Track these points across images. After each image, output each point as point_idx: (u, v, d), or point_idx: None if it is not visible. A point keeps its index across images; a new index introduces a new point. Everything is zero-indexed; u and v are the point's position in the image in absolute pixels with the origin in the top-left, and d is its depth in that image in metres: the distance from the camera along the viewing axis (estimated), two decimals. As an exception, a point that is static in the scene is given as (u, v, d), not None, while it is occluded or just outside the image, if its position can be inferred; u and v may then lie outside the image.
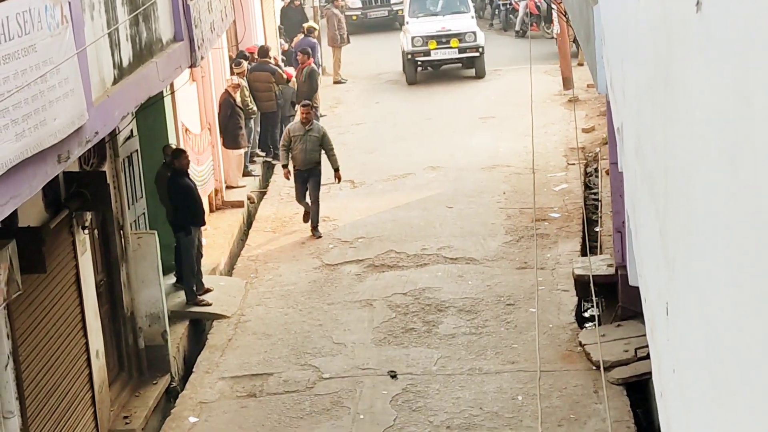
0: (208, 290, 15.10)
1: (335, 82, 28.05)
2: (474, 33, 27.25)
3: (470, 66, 27.81)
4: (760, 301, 2.13)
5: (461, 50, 27.10)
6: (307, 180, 17.72)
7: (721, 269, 2.60)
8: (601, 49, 8.53)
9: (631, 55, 5.48)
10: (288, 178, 18.03)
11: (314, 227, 17.78)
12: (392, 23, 35.66)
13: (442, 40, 27.16)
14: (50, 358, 10.88)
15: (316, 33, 25.84)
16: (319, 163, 17.79)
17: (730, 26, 2.42)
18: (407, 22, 28.27)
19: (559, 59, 25.63)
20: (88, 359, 11.76)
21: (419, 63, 27.43)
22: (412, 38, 27.22)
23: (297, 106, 22.55)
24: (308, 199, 17.90)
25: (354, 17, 35.52)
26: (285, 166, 17.92)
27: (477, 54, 27.12)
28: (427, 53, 27.11)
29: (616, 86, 7.07)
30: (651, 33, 4.16)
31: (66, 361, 11.24)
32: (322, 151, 17.84)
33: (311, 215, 17.82)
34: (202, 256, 15.29)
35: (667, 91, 3.64)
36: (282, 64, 23.82)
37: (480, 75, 27.35)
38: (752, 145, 2.23)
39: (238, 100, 19.41)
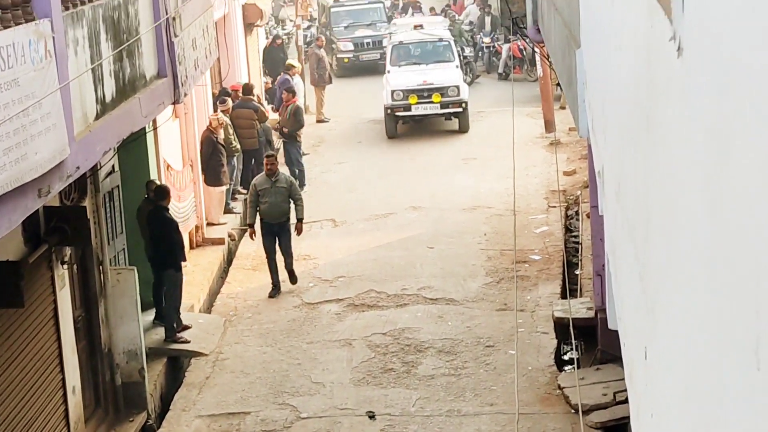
0: (186, 327, 15.04)
1: (318, 121, 28.10)
2: (457, 87, 25.90)
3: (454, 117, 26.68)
4: (739, 346, 2.13)
5: (443, 105, 25.70)
6: (278, 234, 16.91)
7: (701, 314, 2.60)
8: (583, 92, 8.58)
9: (612, 99, 5.51)
10: (253, 239, 17.13)
11: (292, 281, 17.09)
12: (384, 66, 35.57)
13: (424, 94, 25.72)
14: (26, 394, 10.79)
15: (294, 71, 25.82)
16: (289, 216, 16.99)
17: (710, 71, 2.44)
18: (388, 71, 26.99)
19: (541, 102, 25.75)
20: (65, 395, 11.67)
21: (399, 118, 26.16)
22: (392, 92, 25.83)
23: (280, 144, 22.61)
24: (279, 258, 17.02)
25: (345, 59, 35.01)
26: (251, 225, 17.08)
27: (460, 109, 25.81)
28: (408, 108, 25.63)
29: (597, 130, 7.11)
30: (632, 77, 4.18)
31: (42, 396, 11.15)
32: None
33: (287, 268, 17.02)
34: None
35: (648, 135, 3.65)
36: (264, 102, 23.88)
37: (463, 129, 26.08)
38: (731, 190, 2.23)
39: (221, 137, 19.42)
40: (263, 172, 17.19)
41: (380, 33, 34.92)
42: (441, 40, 27.74)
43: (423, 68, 26.69)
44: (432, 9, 40.77)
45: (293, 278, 17.11)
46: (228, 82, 22.75)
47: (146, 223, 14.68)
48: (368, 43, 35.34)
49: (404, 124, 26.44)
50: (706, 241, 2.51)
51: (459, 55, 28.39)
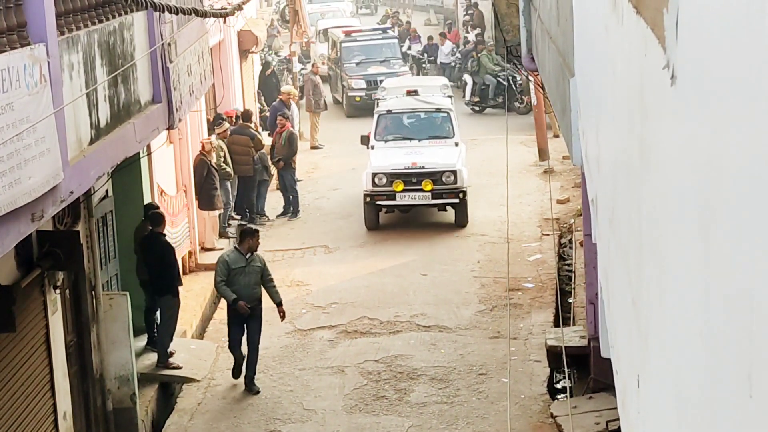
0: (170, 353, 15.00)
1: (312, 147, 28.13)
2: (454, 173, 20.59)
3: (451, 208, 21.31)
4: (733, 375, 2.13)
5: (436, 194, 20.56)
6: (247, 322, 14.67)
7: (693, 343, 2.60)
8: (577, 121, 8.59)
9: (606, 127, 5.52)
10: (247, 311, 14.52)
11: (250, 379, 14.62)
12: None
13: (412, 180, 20.62)
14: (17, 419, 10.73)
15: (286, 97, 25.55)
16: (261, 300, 14.83)
17: (703, 100, 2.45)
18: (372, 146, 21.80)
19: (535, 130, 25.82)
20: (56, 420, 11.62)
21: (381, 207, 21.08)
22: (373, 175, 20.70)
23: (273, 169, 22.63)
24: (244, 347, 14.86)
25: (357, 98, 32.73)
26: (237, 300, 14.50)
27: (457, 200, 20.63)
28: (392, 196, 20.65)
29: (591, 158, 7.12)
30: (626, 105, 4.20)
31: (33, 421, 11.09)
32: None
33: (248, 364, 14.64)
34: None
35: (642, 163, 3.66)
36: (260, 129, 23.91)
37: (460, 223, 20.95)
38: (724, 219, 2.24)
39: (213, 160, 19.45)
40: (232, 250, 15.21)
41: (395, 70, 32.84)
42: (439, 110, 22.37)
43: (414, 146, 21.68)
44: (430, 38, 39.97)
45: (252, 386, 14.58)
46: (223, 108, 22.79)
47: (141, 248, 14.67)
48: (382, 81, 30.98)
49: (388, 213, 21.76)
50: (699, 270, 2.51)
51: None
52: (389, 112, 22.46)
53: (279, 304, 14.90)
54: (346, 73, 33.45)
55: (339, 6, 50.25)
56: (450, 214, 21.25)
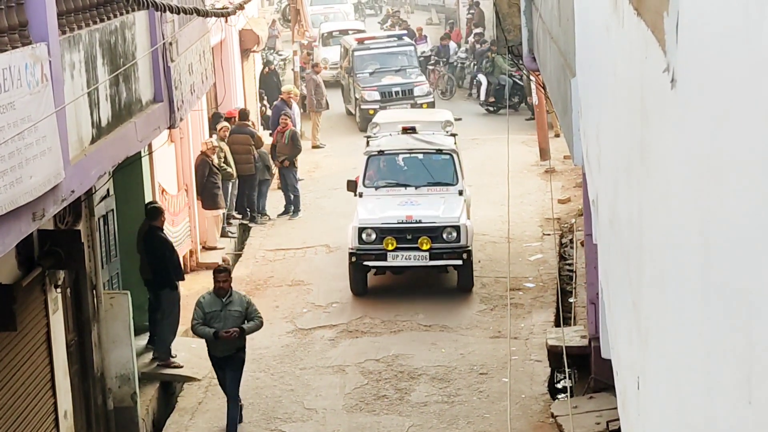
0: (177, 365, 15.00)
1: (313, 147, 28.12)
2: (457, 228, 17.18)
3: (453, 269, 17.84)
4: (732, 377, 2.13)
5: (435, 254, 17.17)
6: (226, 368, 13.32)
7: (693, 344, 2.60)
8: (578, 121, 8.60)
9: (607, 128, 5.52)
10: (232, 337, 13.08)
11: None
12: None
13: (407, 236, 17.23)
14: (18, 418, 10.74)
15: (287, 96, 25.46)
16: (243, 348, 13.37)
17: (703, 103, 2.45)
18: (360, 194, 18.31)
19: (536, 130, 25.81)
20: (56, 419, 11.62)
21: (370, 268, 17.69)
22: (360, 230, 17.34)
23: (274, 168, 22.63)
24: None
25: (371, 111, 28.89)
26: (216, 332, 13.07)
27: (460, 261, 17.21)
28: (382, 255, 17.22)
29: (592, 158, 7.12)
30: (627, 107, 4.20)
31: (34, 420, 11.10)
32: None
33: (228, 419, 13.28)
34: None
35: (642, 164, 3.66)
36: (260, 128, 23.88)
37: (464, 287, 17.63)
38: (724, 220, 2.24)
39: (215, 161, 19.47)
40: (211, 291, 13.41)
41: (411, 80, 30.68)
42: (441, 152, 18.66)
43: (410, 195, 18.14)
44: (443, 38, 37.65)
45: None
46: (224, 107, 22.79)
47: (142, 244, 14.68)
48: (397, 93, 30.39)
49: (378, 275, 18.23)
50: (699, 272, 2.51)
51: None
52: (381, 153, 18.66)
53: (243, 331, 13.13)
54: (359, 84, 30.78)
55: (341, 8, 48.88)
56: (452, 274, 18.04)
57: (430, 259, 17.19)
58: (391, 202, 17.88)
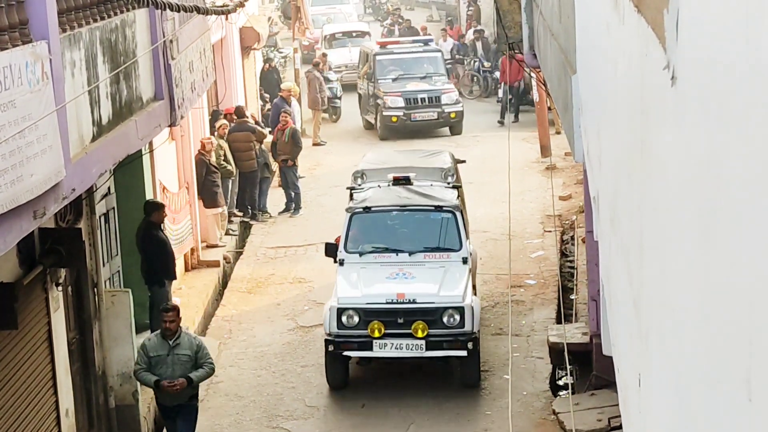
0: None
1: (314, 144, 28.12)
2: (461, 311, 13.90)
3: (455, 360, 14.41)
4: (732, 374, 2.13)
5: (433, 343, 13.93)
6: (176, 417, 12.10)
7: (693, 342, 2.60)
8: (579, 118, 8.59)
9: (607, 125, 5.52)
10: (174, 390, 11.79)
11: None
12: (442, 128, 28.83)
13: (398, 320, 13.94)
14: (19, 416, 10.75)
15: (287, 94, 25.39)
16: (195, 396, 12.18)
17: (703, 100, 2.45)
18: (341, 262, 14.83)
19: (537, 127, 25.81)
20: (58, 418, 11.63)
21: (352, 358, 14.43)
22: (339, 312, 13.97)
23: (274, 166, 22.63)
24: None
25: (394, 118, 28.20)
26: (159, 381, 11.82)
27: (464, 352, 13.94)
28: (366, 344, 13.99)
29: (592, 155, 7.12)
30: (627, 104, 4.20)
31: (35, 419, 11.10)
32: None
33: None
34: None
35: (643, 161, 3.66)
36: (262, 123, 23.81)
37: (469, 382, 14.33)
38: (725, 218, 2.24)
39: (213, 159, 19.48)
40: (157, 332, 12.12)
41: (437, 88, 28.74)
42: (440, 209, 15.15)
43: (402, 264, 14.70)
44: (462, 37, 36.91)
45: None
46: (224, 105, 22.80)
47: (140, 240, 14.71)
48: (423, 99, 28.47)
49: (361, 365, 14.80)
50: (700, 269, 2.51)
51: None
52: (367, 209, 15.25)
53: (188, 379, 11.80)
54: (381, 90, 28.71)
55: (342, 8, 47.70)
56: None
57: (427, 348, 13.87)
58: (379, 274, 14.52)
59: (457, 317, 13.86)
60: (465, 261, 14.74)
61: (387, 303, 13.98)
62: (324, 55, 32.42)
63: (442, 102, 28.35)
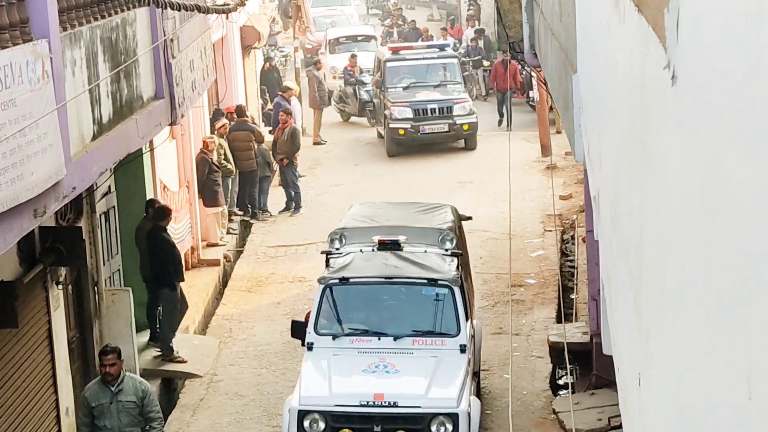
0: (180, 360, 15.02)
1: (315, 143, 28.12)
2: (453, 419, 11.34)
3: None
4: (733, 374, 2.13)
5: None
6: None
7: (694, 341, 2.60)
8: (579, 117, 8.60)
9: (608, 124, 5.53)
10: None
11: None
12: (452, 142, 26.83)
13: (374, 427, 11.38)
14: (19, 415, 10.75)
15: (291, 93, 25.33)
16: None
17: (703, 99, 2.45)
18: (308, 346, 12.38)
19: (538, 126, 25.81)
20: (58, 416, 11.64)
21: None
22: (301, 415, 11.44)
23: (275, 165, 22.64)
24: None
25: (401, 131, 25.90)
26: None
27: None
28: None
29: (593, 155, 7.12)
30: (627, 104, 4.20)
31: (35, 417, 11.11)
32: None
33: None
34: (187, 308, 15.24)
35: (643, 161, 3.66)
36: (261, 124, 23.81)
37: None
38: (725, 217, 2.24)
39: (215, 158, 19.49)
40: (97, 379, 10.81)
41: (451, 97, 26.34)
42: (435, 283, 12.59)
43: (384, 352, 12.15)
44: (475, 38, 34.72)
45: None
46: (225, 104, 22.80)
47: (145, 242, 14.70)
48: (433, 110, 26.14)
49: None
50: (700, 268, 2.51)
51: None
52: (344, 281, 12.63)
53: None
54: (389, 100, 26.41)
55: (344, 10, 45.90)
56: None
57: None
58: (354, 366, 12.01)
59: (449, 427, 11.30)
60: (463, 350, 12.05)
61: (361, 405, 11.43)
62: (318, 61, 31.59)
63: (454, 113, 25.94)
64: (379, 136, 28.01)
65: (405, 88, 26.71)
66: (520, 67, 27.29)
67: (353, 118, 30.57)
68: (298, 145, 22.72)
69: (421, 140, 26.03)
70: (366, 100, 29.28)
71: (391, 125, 25.97)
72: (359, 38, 37.14)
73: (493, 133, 27.43)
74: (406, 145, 26.12)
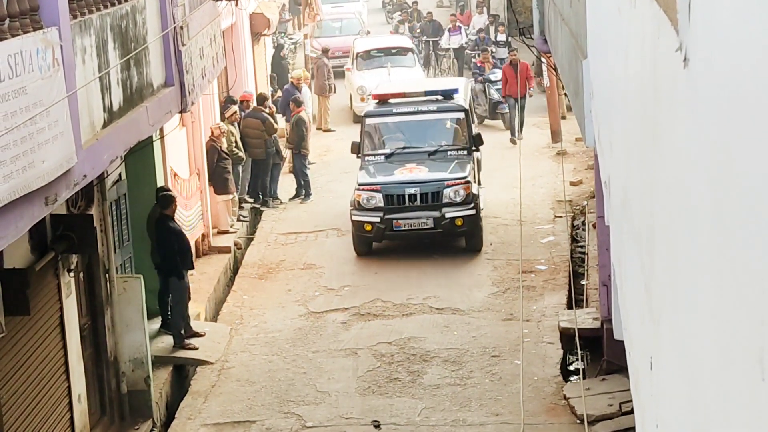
0: (197, 334, 15.06)
1: (323, 130, 28.05)
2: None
3: None
4: (744, 357, 2.13)
5: None
6: None
7: (705, 324, 2.60)
8: (590, 103, 8.58)
9: (619, 109, 5.51)
10: None
11: None
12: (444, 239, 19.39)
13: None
14: (32, 401, 10.79)
15: (297, 81, 25.03)
16: None
17: (716, 82, 2.44)
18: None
19: (548, 112, 25.74)
20: (70, 403, 11.68)
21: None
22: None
23: (287, 153, 22.62)
24: None
25: (367, 226, 18.19)
26: None
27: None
28: None
29: (603, 140, 7.11)
30: (639, 88, 4.19)
31: (48, 404, 11.15)
32: None
33: None
34: (190, 299, 15.27)
35: (654, 145, 3.66)
36: (276, 114, 23.65)
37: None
38: (737, 201, 2.24)
39: (224, 145, 19.48)
40: None
41: (442, 176, 18.39)
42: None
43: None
44: (465, 11, 34.23)
45: None
46: (235, 91, 22.78)
47: (154, 230, 14.73)
48: (413, 197, 18.24)
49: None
50: (711, 252, 2.51)
51: None
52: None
53: None
54: (357, 180, 18.90)
55: (353, 7, 41.69)
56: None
57: None
58: None
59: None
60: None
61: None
62: (327, 49, 30.59)
63: (444, 200, 18.05)
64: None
65: (388, 157, 19.12)
66: (530, 65, 26.04)
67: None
68: (301, 134, 22.50)
69: (396, 238, 18.52)
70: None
71: (354, 216, 18.32)
72: (393, 51, 30.27)
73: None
74: (372, 245, 18.72)
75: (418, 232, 18.29)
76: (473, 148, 19.33)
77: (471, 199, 18.21)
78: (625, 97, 5.01)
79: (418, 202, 18.20)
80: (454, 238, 18.55)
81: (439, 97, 20.01)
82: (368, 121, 19.73)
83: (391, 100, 20.01)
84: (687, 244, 2.92)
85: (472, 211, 18.15)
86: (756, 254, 2.07)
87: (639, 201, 4.36)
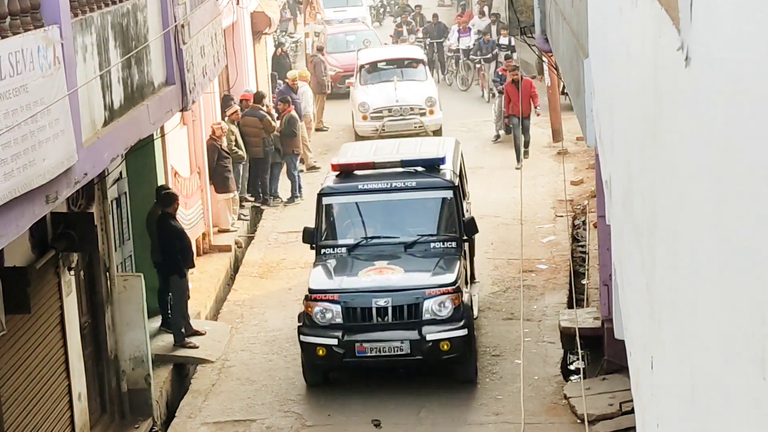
0: (198, 333, 15.06)
1: (317, 129, 27.82)
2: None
3: None
4: (745, 357, 2.13)
5: None
6: None
7: (706, 324, 2.60)
8: (591, 102, 8.58)
9: (620, 108, 5.51)
10: None
11: None
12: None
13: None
14: (32, 400, 10.79)
15: (292, 82, 24.87)
16: None
17: (717, 81, 2.44)
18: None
19: (549, 111, 25.70)
20: (71, 401, 11.68)
21: None
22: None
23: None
24: None
25: (320, 350, 13.35)
26: None
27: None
28: None
29: (604, 139, 7.11)
30: (640, 87, 4.18)
31: (48, 402, 11.15)
32: None
33: None
34: (189, 298, 15.27)
35: (656, 144, 3.65)
36: (273, 113, 23.65)
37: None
38: (738, 200, 2.23)
39: (224, 144, 19.48)
40: None
41: (422, 283, 13.60)
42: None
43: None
44: (467, 10, 34.21)
45: None
46: (236, 90, 22.78)
47: (155, 228, 14.73)
48: (382, 311, 13.54)
49: None
50: (713, 251, 2.51)
51: None
52: None
53: None
54: (309, 286, 13.94)
55: (355, 11, 39.58)
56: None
57: None
58: None
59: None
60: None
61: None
62: (322, 47, 30.32)
63: (424, 314, 13.48)
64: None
65: (351, 250, 14.51)
66: (532, 80, 24.83)
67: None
68: (293, 133, 22.37)
69: (359, 367, 14.01)
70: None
71: (303, 337, 13.66)
72: (406, 62, 27.52)
73: (504, 120, 27.17)
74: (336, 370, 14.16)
75: (388, 359, 13.47)
76: (464, 238, 14.59)
77: (461, 314, 13.48)
78: (626, 97, 5.01)
79: (389, 319, 13.48)
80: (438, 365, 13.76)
81: (421, 169, 15.02)
82: (325, 200, 14.96)
83: (357, 172, 15.18)
84: (688, 244, 2.92)
85: (463, 331, 13.42)
86: (757, 253, 2.06)
87: (640, 200, 4.36)
